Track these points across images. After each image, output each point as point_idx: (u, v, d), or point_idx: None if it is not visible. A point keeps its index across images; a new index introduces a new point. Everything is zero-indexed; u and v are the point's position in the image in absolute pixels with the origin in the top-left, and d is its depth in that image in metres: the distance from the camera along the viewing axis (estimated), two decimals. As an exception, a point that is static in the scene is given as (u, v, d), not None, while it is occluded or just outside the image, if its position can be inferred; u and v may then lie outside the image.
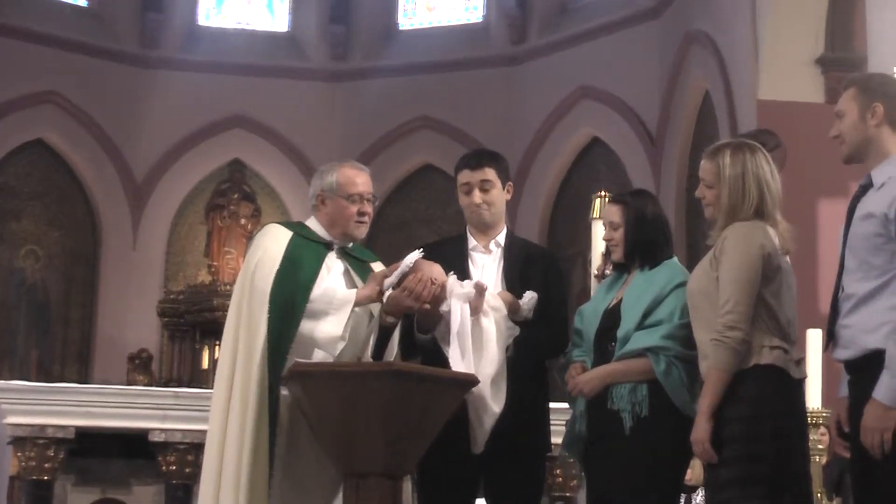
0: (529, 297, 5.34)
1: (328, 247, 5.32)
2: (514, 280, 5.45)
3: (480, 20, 18.43)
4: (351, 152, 16.69)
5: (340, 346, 5.10)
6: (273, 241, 5.24)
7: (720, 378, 4.64)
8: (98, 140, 17.32)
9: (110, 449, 8.39)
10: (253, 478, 4.91)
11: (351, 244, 5.43)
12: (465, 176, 5.54)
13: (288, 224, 5.49)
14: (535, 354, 5.38)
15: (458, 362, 5.13)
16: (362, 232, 5.42)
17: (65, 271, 17.27)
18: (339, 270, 5.32)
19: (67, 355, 17.12)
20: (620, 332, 5.13)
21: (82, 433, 8.01)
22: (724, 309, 4.66)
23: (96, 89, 17.26)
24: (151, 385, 15.10)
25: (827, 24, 11.33)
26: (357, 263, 5.41)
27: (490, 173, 5.52)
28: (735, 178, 4.82)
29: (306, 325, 5.09)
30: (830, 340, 4.69)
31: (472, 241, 5.58)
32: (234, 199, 17.68)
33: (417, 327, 5.34)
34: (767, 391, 4.64)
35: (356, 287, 5.27)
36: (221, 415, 5.05)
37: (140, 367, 16.24)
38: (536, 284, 5.40)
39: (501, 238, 5.59)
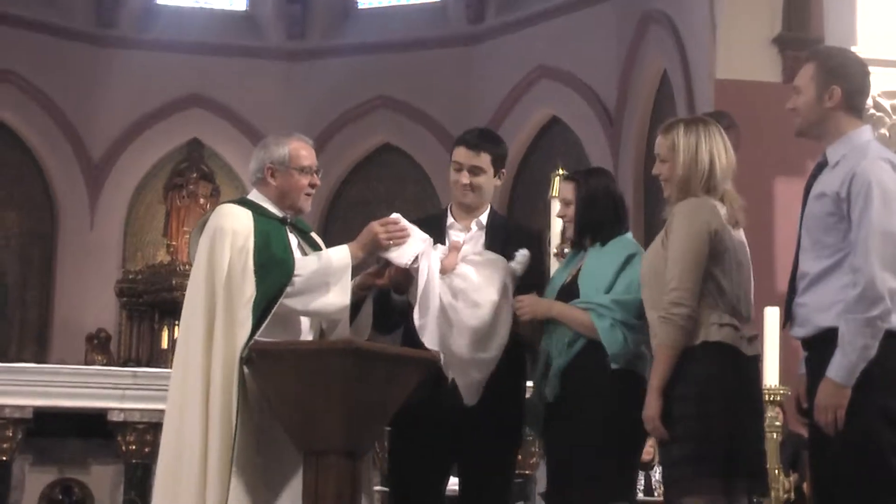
0: (521, 256, 5.36)
1: (283, 222, 5.32)
2: None
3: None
4: (309, 131, 16.43)
5: (348, 312, 5.15)
6: (237, 221, 5.19)
7: (667, 355, 4.68)
8: (55, 119, 17.21)
9: (68, 429, 8.35)
10: (238, 455, 4.92)
11: (294, 218, 5.43)
12: (459, 154, 5.48)
13: (240, 202, 5.44)
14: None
15: (416, 320, 5.16)
16: (309, 204, 5.42)
17: (21, 252, 17.17)
18: (294, 245, 5.31)
19: (24, 336, 17.03)
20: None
21: (40, 413, 7.98)
22: (671, 286, 4.69)
23: (53, 68, 17.14)
24: (110, 365, 15.04)
25: (784, 3, 11.37)
26: (304, 236, 5.43)
27: (484, 160, 5.46)
28: (688, 150, 4.84)
29: (302, 301, 5.08)
30: (788, 319, 4.74)
31: (450, 219, 5.56)
32: (192, 179, 17.64)
33: (394, 288, 5.35)
34: (716, 369, 4.67)
35: None
36: (196, 394, 4.99)
37: (98, 348, 16.19)
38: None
39: (484, 218, 5.56)
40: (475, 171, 5.46)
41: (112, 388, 8.05)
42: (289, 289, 5.05)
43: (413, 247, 5.21)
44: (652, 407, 4.69)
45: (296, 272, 5.07)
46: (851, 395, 4.38)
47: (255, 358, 4.93)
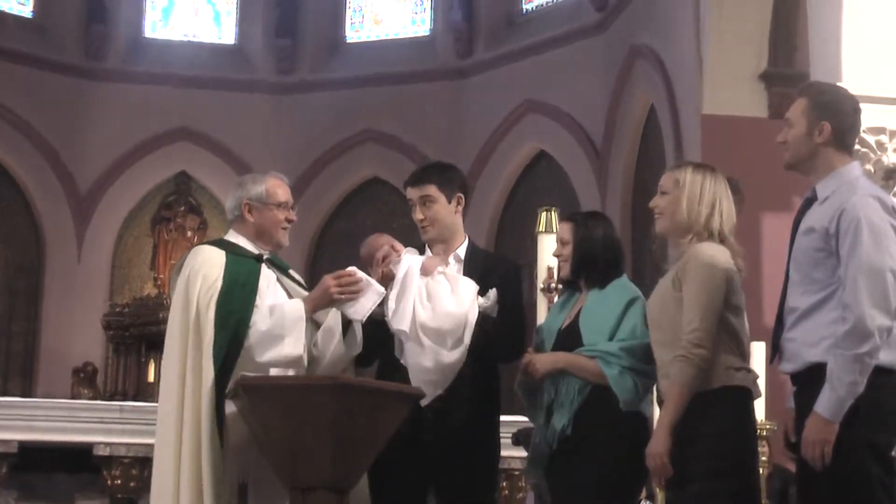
0: (490, 295, 5.38)
1: (258, 260, 5.37)
2: None
3: (427, 34, 18.46)
4: (297, 165, 16.69)
5: (304, 361, 5.20)
6: (208, 263, 5.28)
7: (682, 394, 4.69)
8: (42, 152, 17.19)
9: (54, 463, 8.31)
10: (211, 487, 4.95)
11: (271, 255, 5.49)
12: (408, 193, 5.59)
13: (216, 243, 5.52)
14: (487, 355, 5.39)
15: (392, 304, 5.23)
16: (287, 238, 5.52)
17: (8, 284, 17.13)
18: (273, 281, 5.40)
19: (10, 369, 16.98)
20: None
21: (25, 447, 7.95)
22: (690, 327, 4.71)
23: (41, 101, 17.14)
24: (96, 399, 14.98)
25: (770, 39, 11.42)
26: (282, 272, 5.50)
27: (431, 189, 5.53)
28: (693, 187, 4.89)
29: (261, 353, 5.15)
30: (776, 353, 4.75)
31: (427, 254, 5.59)
32: (180, 212, 17.65)
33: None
34: (738, 413, 4.73)
35: (288, 297, 5.37)
36: (173, 432, 5.07)
37: (85, 381, 16.12)
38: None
39: (462, 251, 5.60)
40: (425, 202, 5.53)
41: (98, 423, 8.01)
42: (246, 341, 5.14)
43: (369, 299, 5.25)
44: (661, 443, 4.69)
45: (251, 325, 5.16)
46: (839, 430, 4.39)
47: (242, 393, 4.93)
